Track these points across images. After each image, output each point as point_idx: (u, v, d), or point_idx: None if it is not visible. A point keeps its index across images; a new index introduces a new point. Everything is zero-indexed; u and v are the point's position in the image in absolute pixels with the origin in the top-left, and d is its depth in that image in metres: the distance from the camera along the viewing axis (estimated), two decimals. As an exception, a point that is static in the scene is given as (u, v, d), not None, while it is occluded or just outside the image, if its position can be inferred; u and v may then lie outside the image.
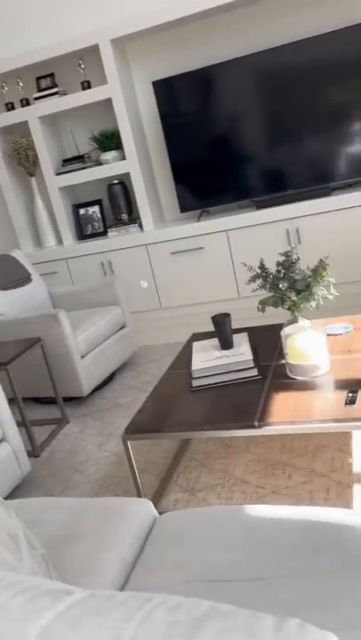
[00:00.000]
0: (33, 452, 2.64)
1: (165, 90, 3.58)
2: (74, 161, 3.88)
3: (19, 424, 2.68)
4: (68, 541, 1.29)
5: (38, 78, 3.83)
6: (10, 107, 3.88)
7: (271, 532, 1.19)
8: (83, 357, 3.02)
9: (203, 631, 0.49)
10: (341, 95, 3.34)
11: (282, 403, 1.79)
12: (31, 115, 3.77)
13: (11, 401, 3.11)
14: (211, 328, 2.33)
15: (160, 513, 1.43)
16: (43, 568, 1.03)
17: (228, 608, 0.53)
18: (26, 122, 3.82)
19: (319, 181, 3.48)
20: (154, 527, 1.34)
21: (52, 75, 3.81)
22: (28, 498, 1.83)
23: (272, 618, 0.50)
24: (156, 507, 2.02)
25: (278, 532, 1.18)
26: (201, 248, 3.65)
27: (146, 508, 1.39)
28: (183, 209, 3.77)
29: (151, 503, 1.42)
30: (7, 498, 2.29)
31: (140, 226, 3.84)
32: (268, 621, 0.50)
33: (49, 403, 3.24)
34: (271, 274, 2.00)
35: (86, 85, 3.71)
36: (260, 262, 2.04)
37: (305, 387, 1.86)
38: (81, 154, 3.94)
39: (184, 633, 0.50)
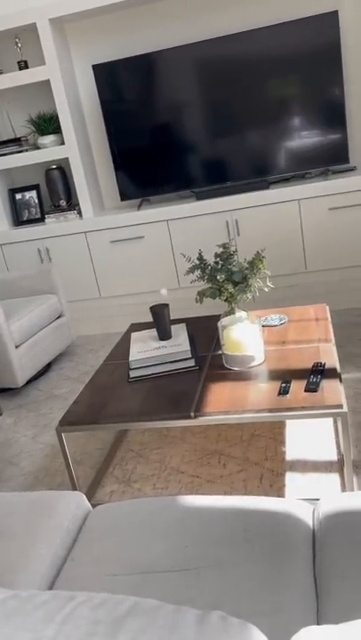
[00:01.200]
0: (-36, 445, 2.54)
1: (106, 74, 3.51)
2: (10, 144, 3.74)
3: None
4: (-3, 538, 1.25)
5: (-28, 55, 3.65)
6: None
7: (203, 521, 1.20)
8: (17, 347, 2.93)
9: (125, 629, 0.48)
10: (282, 90, 3.38)
11: (218, 393, 1.81)
12: (-36, 93, 3.60)
13: None
14: (150, 318, 2.32)
15: (96, 505, 1.41)
16: (-33, 567, 0.99)
17: (152, 604, 0.53)
18: None
19: (258, 174, 3.53)
20: (86, 520, 1.33)
21: (-14, 52, 3.64)
22: None
23: (195, 612, 0.50)
24: (91, 499, 2.01)
25: (210, 521, 1.19)
26: (141, 237, 3.62)
27: (78, 500, 1.37)
28: (123, 197, 3.72)
29: (84, 496, 1.40)
30: None
31: (79, 213, 3.76)
32: (191, 616, 0.50)
33: (-18, 394, 3.14)
34: (209, 265, 2.01)
35: (23, 65, 3.58)
36: (199, 253, 2.04)
37: (240, 377, 1.89)
38: (17, 137, 3.80)
39: (106, 632, 0.49)
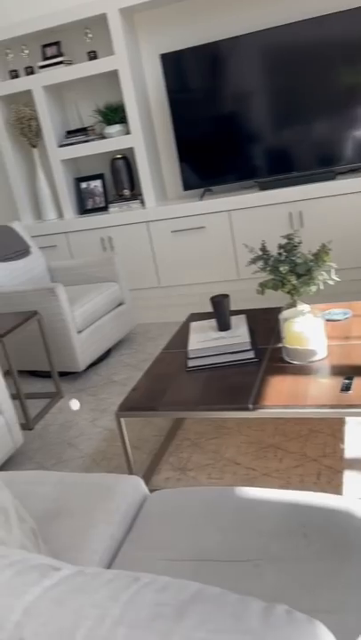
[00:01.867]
0: (27, 425, 2.64)
1: (173, 63, 3.51)
2: (77, 133, 3.82)
3: (13, 397, 2.68)
4: (58, 516, 1.29)
5: (44, 46, 3.74)
6: (14, 75, 3.80)
7: (261, 514, 1.19)
8: (79, 333, 3.00)
9: (190, 614, 0.49)
10: (352, 77, 3.27)
11: (277, 386, 1.79)
12: (35, 83, 3.70)
13: (6, 373, 3.10)
14: (209, 309, 2.32)
15: (151, 491, 1.43)
16: (32, 541, 1.03)
17: (216, 591, 0.53)
18: (30, 91, 3.75)
19: (324, 164, 3.44)
20: (144, 505, 1.35)
21: (57, 43, 3.72)
22: (20, 470, 1.84)
23: (260, 603, 0.50)
24: (146, 484, 2.03)
25: (268, 514, 1.18)
26: (202, 227, 3.61)
27: (136, 485, 1.39)
28: (186, 187, 3.72)
29: (142, 480, 1.42)
30: (-1, 469, 2.30)
31: (142, 202, 3.80)
32: (257, 606, 0.50)
33: (44, 377, 3.24)
34: (272, 256, 1.98)
35: (93, 56, 3.63)
36: (262, 244, 2.02)
37: (301, 371, 1.86)
38: (85, 126, 3.87)
39: (171, 615, 0.49)
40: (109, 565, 1.20)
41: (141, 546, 1.20)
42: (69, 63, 3.72)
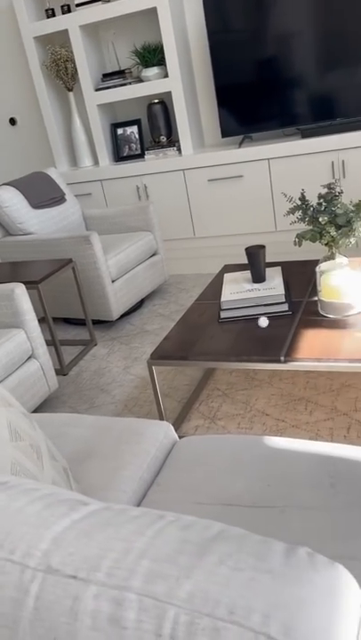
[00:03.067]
0: (61, 371, 2.70)
1: (215, 2, 3.33)
2: (114, 76, 3.71)
3: (48, 343, 2.74)
4: (89, 457, 1.33)
5: (81, -17, 3.60)
6: (50, 13, 3.69)
7: (288, 463, 1.20)
8: (113, 282, 3.02)
9: (212, 551, 0.49)
10: None
11: (310, 340, 1.77)
12: (72, 23, 3.59)
13: (41, 320, 3.16)
14: (245, 260, 2.28)
15: (180, 437, 1.46)
16: (63, 479, 1.06)
17: (239, 532, 0.54)
18: (66, 31, 3.64)
19: (372, 111, 3.26)
20: (173, 450, 1.37)
21: (95, -21, 3.57)
22: (54, 413, 1.89)
23: (282, 544, 0.51)
24: (176, 431, 2.07)
25: (296, 464, 1.19)
26: (240, 176, 3.52)
27: (166, 430, 1.41)
28: (225, 134, 3.60)
29: (171, 426, 1.45)
30: (34, 412, 2.38)
31: (179, 149, 3.71)
32: (278, 547, 0.50)
33: (78, 324, 3.29)
34: (312, 206, 1.92)
35: (131, -8, 3.48)
36: (301, 193, 1.95)
37: (336, 325, 1.83)
38: (122, 69, 3.76)
39: (194, 551, 0.50)
40: (137, 505, 1.24)
41: (169, 489, 1.23)
42: (107, 1, 3.57)
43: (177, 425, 2.13)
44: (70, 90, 3.89)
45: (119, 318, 3.22)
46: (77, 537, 0.56)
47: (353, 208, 1.87)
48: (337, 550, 0.95)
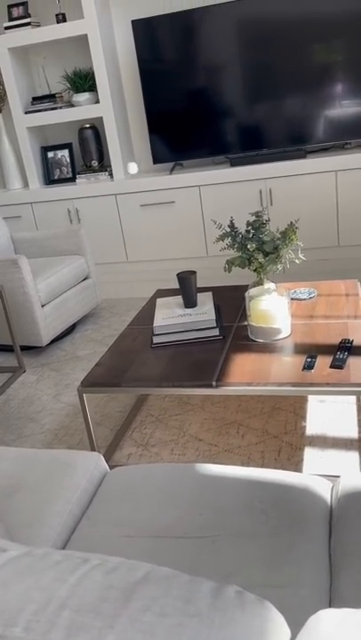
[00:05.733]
0: (-13, 400, 2.59)
1: (145, 31, 3.40)
2: (44, 100, 3.68)
3: (-27, 370, 2.62)
4: (15, 492, 1.27)
5: (10, 6, 3.57)
6: (-23, 34, 3.62)
7: (220, 491, 1.19)
8: (43, 306, 2.94)
9: (137, 596, 0.47)
10: (326, 55, 3.24)
11: (241, 364, 1.79)
12: (0, 45, 3.54)
13: (-34, 346, 3.03)
14: (177, 285, 2.29)
15: (113, 466, 1.42)
16: (-15, 518, 1.00)
17: (166, 572, 0.52)
18: (-6, 52, 3.59)
19: (295, 142, 3.42)
20: (104, 481, 1.34)
21: (25, 3, 3.55)
22: (-22, 446, 1.80)
23: (210, 584, 0.49)
24: (109, 460, 2.03)
25: (226, 491, 1.19)
26: (172, 202, 3.56)
27: (96, 461, 1.37)
28: (156, 160, 3.65)
29: (102, 457, 1.41)
30: None
31: (111, 174, 3.71)
32: (207, 587, 0.49)
33: (5, 350, 3.18)
34: (240, 233, 1.96)
35: (61, 18, 3.49)
36: (230, 221, 1.99)
37: (265, 349, 1.86)
38: (52, 93, 3.74)
39: (118, 597, 0.48)
40: (66, 542, 1.19)
41: (99, 522, 1.19)
42: (37, 25, 3.56)
43: (109, 454, 2.08)
44: (-1, 111, 3.82)
45: (49, 344, 3.14)
46: (-6, 588, 0.52)
47: (279, 235, 1.93)
48: (267, 579, 0.95)
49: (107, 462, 1.44)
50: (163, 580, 0.49)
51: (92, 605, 0.47)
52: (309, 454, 1.91)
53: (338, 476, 1.26)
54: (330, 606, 0.93)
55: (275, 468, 1.84)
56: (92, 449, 1.92)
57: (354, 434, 1.99)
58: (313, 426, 2.06)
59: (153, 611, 0.45)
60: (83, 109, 3.59)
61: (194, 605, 0.45)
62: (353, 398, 2.18)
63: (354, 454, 1.88)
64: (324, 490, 1.21)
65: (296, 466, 1.87)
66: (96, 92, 3.58)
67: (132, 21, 3.38)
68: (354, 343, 1.80)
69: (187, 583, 0.49)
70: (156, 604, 0.46)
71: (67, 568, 0.53)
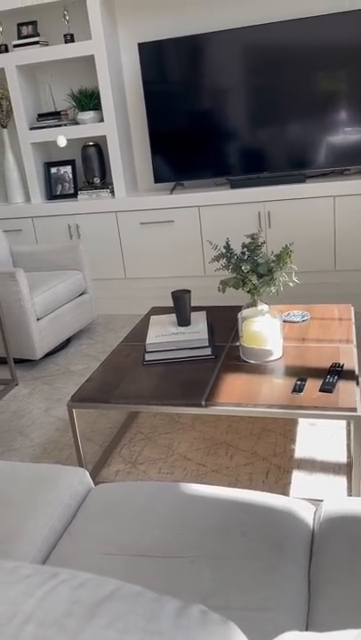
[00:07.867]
0: (-22, 411, 2.58)
1: (151, 54, 3.47)
2: (50, 117, 3.74)
3: (-35, 381, 2.62)
4: (-3, 505, 1.26)
5: (20, 25, 3.65)
6: (-13, 51, 3.69)
7: (202, 511, 1.19)
8: (38, 320, 2.95)
9: (101, 613, 0.47)
10: (330, 83, 3.30)
11: (231, 384, 1.79)
12: (9, 62, 3.61)
13: None
14: (172, 303, 2.31)
15: (100, 483, 1.42)
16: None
17: (134, 590, 0.52)
18: (2, 69, 3.65)
19: (295, 167, 3.46)
20: (87, 497, 1.33)
21: (34, 23, 3.63)
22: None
23: (176, 603, 0.49)
24: (96, 476, 2.02)
25: (209, 511, 1.18)
26: (171, 221, 3.60)
27: (81, 477, 1.37)
28: (157, 179, 3.69)
29: (87, 473, 1.41)
30: None
31: (112, 192, 3.75)
32: (171, 606, 0.49)
33: None
34: (235, 255, 1.98)
35: (69, 38, 3.56)
36: (226, 242, 2.01)
37: (256, 370, 1.87)
38: (58, 110, 3.80)
39: (83, 613, 0.48)
40: (47, 558, 1.18)
41: (81, 539, 1.18)
42: (45, 44, 3.64)
43: (97, 470, 2.07)
44: (4, 126, 3.87)
45: (43, 357, 3.14)
46: None
47: (274, 258, 1.95)
48: (244, 601, 0.95)
49: (94, 479, 1.44)
50: (129, 597, 0.50)
51: (56, 620, 0.47)
52: (297, 477, 1.91)
53: (322, 501, 1.26)
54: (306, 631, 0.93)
55: (262, 490, 1.83)
56: (80, 465, 1.92)
57: (342, 458, 1.98)
58: (302, 449, 2.06)
59: (116, 628, 0.45)
60: (87, 127, 3.64)
61: (156, 624, 0.46)
62: (342, 422, 2.18)
63: (341, 479, 1.88)
64: (307, 514, 1.21)
65: (284, 489, 1.86)
66: (101, 110, 3.63)
67: (139, 44, 3.45)
68: (344, 367, 1.81)
69: (152, 601, 0.49)
70: (119, 622, 0.46)
71: (35, 582, 0.53)
